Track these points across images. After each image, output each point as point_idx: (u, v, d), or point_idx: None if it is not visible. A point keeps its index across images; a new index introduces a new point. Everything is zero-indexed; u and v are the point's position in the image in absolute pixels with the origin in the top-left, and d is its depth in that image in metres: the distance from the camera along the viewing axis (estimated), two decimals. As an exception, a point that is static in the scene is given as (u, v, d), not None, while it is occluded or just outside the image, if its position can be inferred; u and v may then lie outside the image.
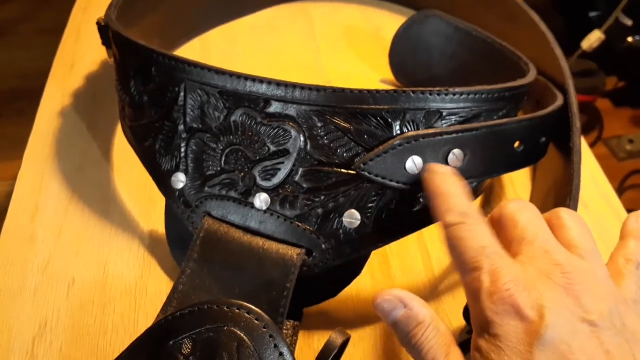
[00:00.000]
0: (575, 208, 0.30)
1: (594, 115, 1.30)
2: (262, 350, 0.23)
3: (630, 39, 1.27)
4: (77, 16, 0.55)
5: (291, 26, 0.54)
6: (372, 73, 0.50)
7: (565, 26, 1.41)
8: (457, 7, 0.47)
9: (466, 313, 0.29)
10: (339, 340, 0.26)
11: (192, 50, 0.51)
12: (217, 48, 0.52)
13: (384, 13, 0.56)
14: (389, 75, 0.48)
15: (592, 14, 1.34)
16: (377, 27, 0.54)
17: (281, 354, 0.23)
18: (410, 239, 0.36)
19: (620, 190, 1.16)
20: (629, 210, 1.04)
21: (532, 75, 0.33)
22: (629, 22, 1.26)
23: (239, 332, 0.23)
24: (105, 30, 0.39)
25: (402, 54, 0.46)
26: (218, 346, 0.23)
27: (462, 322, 0.30)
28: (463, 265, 0.24)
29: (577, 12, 1.38)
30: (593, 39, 1.03)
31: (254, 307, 0.24)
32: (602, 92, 1.21)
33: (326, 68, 0.50)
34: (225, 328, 0.23)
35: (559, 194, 0.32)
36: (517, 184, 0.40)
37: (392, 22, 0.46)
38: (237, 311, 0.24)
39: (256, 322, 0.24)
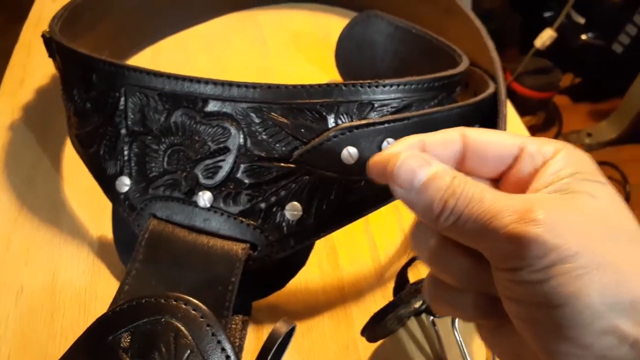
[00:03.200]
0: None
1: (553, 112, 1.34)
2: (199, 339, 0.24)
3: (583, 36, 1.32)
4: (27, 31, 0.55)
5: (241, 33, 0.55)
6: (321, 75, 0.51)
7: (521, 26, 1.45)
8: (399, 6, 0.48)
9: (395, 291, 0.30)
10: (283, 329, 0.27)
11: (143, 59, 0.52)
12: (168, 56, 0.52)
13: (331, 17, 0.58)
14: (337, 76, 0.49)
15: (547, 14, 1.39)
16: (325, 31, 0.55)
17: (219, 342, 0.24)
18: (357, 230, 0.37)
19: (582, 183, 1.19)
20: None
21: (462, 66, 0.35)
22: (581, 20, 1.31)
23: (176, 323, 0.24)
24: (50, 42, 0.39)
25: (347, 54, 0.47)
26: (156, 337, 0.23)
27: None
28: None
29: (532, 12, 1.42)
30: (545, 37, 1.07)
31: (191, 299, 0.24)
32: (557, 88, 1.25)
33: (276, 72, 0.51)
34: (163, 320, 0.24)
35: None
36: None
37: (339, 25, 0.48)
38: (174, 303, 0.24)
39: (193, 312, 0.24)
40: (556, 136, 1.30)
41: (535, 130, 1.29)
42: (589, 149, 1.26)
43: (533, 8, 1.42)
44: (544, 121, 1.31)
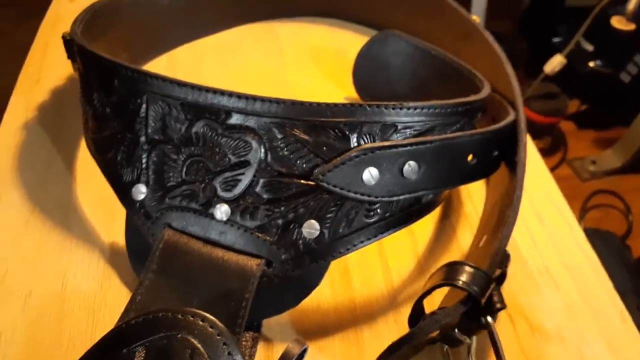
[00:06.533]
0: (514, 218, 0.30)
1: (559, 137, 1.34)
2: (216, 358, 0.23)
3: (591, 64, 1.33)
4: (44, 31, 0.55)
5: (258, 44, 0.55)
6: (337, 91, 0.51)
7: (530, 51, 1.46)
8: (416, 27, 0.49)
9: (411, 320, 0.30)
10: (295, 350, 0.27)
11: (159, 66, 0.52)
12: (184, 64, 0.52)
13: (349, 33, 0.58)
14: (353, 93, 0.49)
15: (555, 40, 1.40)
16: (343, 46, 0.55)
17: (235, 361, 0.23)
18: (371, 251, 0.37)
19: (584, 210, 1.20)
20: (593, 229, 1.07)
21: (485, 91, 0.35)
22: (590, 48, 1.32)
23: (192, 340, 0.23)
24: (70, 44, 0.39)
25: (364, 72, 0.47)
26: (171, 353, 0.23)
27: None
28: None
29: (540, 37, 1.44)
30: (555, 63, 1.07)
31: (208, 315, 0.24)
32: (564, 114, 1.25)
33: (292, 85, 0.51)
34: (179, 335, 0.23)
35: (503, 205, 0.33)
36: (475, 197, 0.42)
37: (357, 42, 0.48)
38: (191, 319, 0.24)
39: (210, 329, 0.24)
40: (561, 162, 1.31)
41: (540, 154, 1.29)
42: (592, 176, 1.27)
43: (542, 33, 1.44)
44: (549, 146, 1.31)
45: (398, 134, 0.30)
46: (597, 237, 1.05)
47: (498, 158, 0.34)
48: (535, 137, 1.27)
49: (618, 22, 1.21)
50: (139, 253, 0.33)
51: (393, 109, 0.30)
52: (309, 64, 0.54)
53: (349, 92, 0.50)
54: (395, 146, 0.29)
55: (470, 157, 0.32)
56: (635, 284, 0.97)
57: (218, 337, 0.24)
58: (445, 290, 0.32)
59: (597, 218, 1.19)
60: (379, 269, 0.36)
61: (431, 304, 0.31)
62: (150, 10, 0.50)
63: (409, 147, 0.29)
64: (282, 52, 0.55)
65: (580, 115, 1.40)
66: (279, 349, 0.32)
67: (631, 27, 1.20)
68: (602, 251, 1.13)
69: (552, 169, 1.29)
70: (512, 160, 0.34)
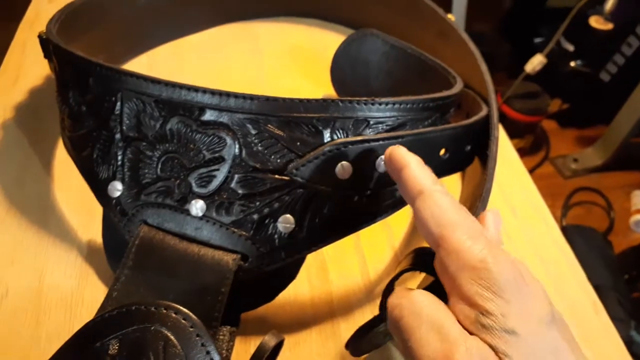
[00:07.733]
0: (483, 208, 0.31)
1: (541, 136, 1.36)
2: (189, 350, 0.23)
3: (572, 63, 1.34)
4: (23, 31, 0.55)
5: (237, 44, 0.56)
6: (316, 89, 0.51)
7: (511, 51, 1.48)
8: (394, 26, 0.49)
9: (382, 307, 0.30)
10: (271, 342, 0.27)
11: (139, 66, 0.52)
12: (163, 64, 0.52)
13: (328, 33, 0.58)
14: (333, 92, 0.50)
15: (537, 40, 1.42)
16: (321, 46, 0.56)
17: (208, 352, 0.24)
18: (347, 245, 0.37)
19: (566, 207, 1.21)
20: (575, 226, 1.08)
21: (457, 87, 0.35)
22: (570, 47, 1.33)
23: (165, 332, 0.24)
24: (46, 43, 0.39)
25: (342, 70, 0.47)
26: (144, 346, 0.23)
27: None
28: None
29: (522, 38, 1.45)
30: (535, 62, 1.09)
31: (181, 308, 0.24)
32: (545, 112, 1.27)
33: (271, 84, 0.51)
34: (152, 328, 0.24)
35: (474, 198, 0.33)
36: (450, 191, 0.42)
37: (335, 41, 0.48)
38: (164, 311, 0.24)
39: (183, 321, 0.24)
40: (543, 160, 1.32)
41: (523, 153, 1.30)
42: (575, 174, 1.28)
43: (523, 33, 1.45)
44: (531, 145, 1.33)
45: (370, 129, 0.30)
46: (579, 234, 1.06)
47: (471, 152, 0.35)
48: (517, 135, 1.28)
49: (596, 22, 1.23)
50: (116, 250, 0.33)
51: (365, 104, 0.30)
52: (288, 64, 0.54)
53: (328, 90, 0.50)
54: (368, 141, 0.30)
55: (442, 152, 0.32)
56: (616, 279, 0.99)
57: (191, 329, 0.24)
58: (421, 277, 0.32)
59: (580, 215, 1.21)
60: (355, 263, 0.36)
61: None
62: (129, 11, 0.50)
63: (381, 142, 0.30)
64: (262, 51, 0.55)
65: (562, 113, 1.42)
66: (256, 342, 0.32)
67: (609, 26, 1.22)
68: (584, 247, 1.13)
69: (535, 167, 1.30)
70: (484, 154, 0.34)
